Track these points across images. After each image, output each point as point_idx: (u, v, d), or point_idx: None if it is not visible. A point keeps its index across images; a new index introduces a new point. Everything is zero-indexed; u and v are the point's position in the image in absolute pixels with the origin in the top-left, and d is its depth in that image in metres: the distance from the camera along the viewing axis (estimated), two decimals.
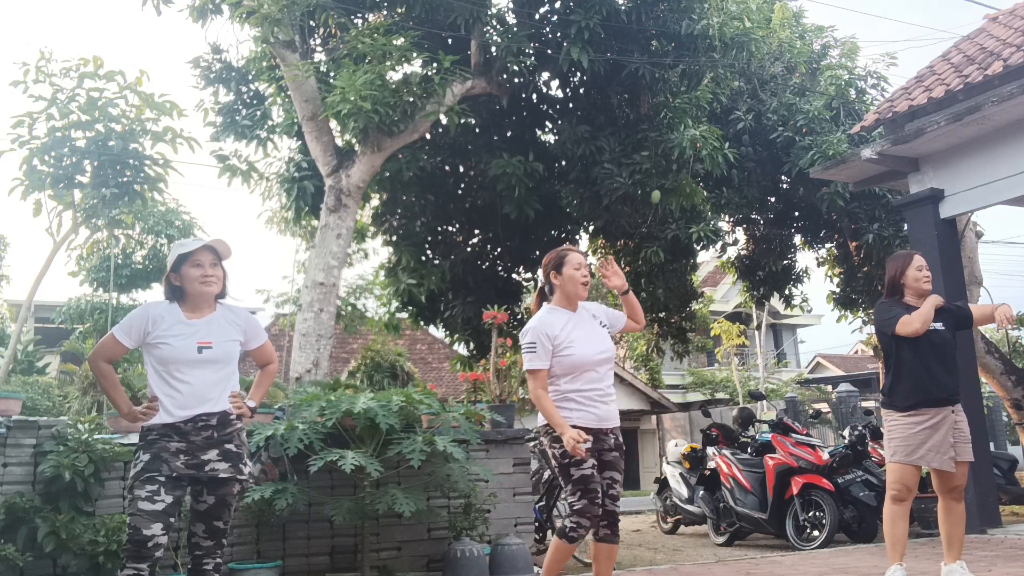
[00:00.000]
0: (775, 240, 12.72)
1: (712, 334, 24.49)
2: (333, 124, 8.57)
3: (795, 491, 7.49)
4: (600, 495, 3.67)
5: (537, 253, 11.84)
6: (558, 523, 7.45)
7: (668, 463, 10.06)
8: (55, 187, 6.37)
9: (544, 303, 3.98)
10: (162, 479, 3.20)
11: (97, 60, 6.35)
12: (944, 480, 4.39)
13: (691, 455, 9.61)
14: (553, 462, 3.76)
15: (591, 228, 11.48)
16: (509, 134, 10.52)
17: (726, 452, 8.52)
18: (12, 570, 4.64)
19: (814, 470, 7.58)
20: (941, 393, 4.33)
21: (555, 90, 10.57)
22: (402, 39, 8.12)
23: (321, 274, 8.11)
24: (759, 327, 27.51)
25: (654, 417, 28.11)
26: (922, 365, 4.36)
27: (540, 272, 4.06)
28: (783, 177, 11.58)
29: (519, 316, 12.06)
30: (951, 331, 4.45)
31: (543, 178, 9.90)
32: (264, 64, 9.42)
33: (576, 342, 3.79)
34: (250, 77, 9.84)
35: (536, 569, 5.88)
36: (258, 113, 9.71)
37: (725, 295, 28.88)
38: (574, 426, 3.67)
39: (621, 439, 3.89)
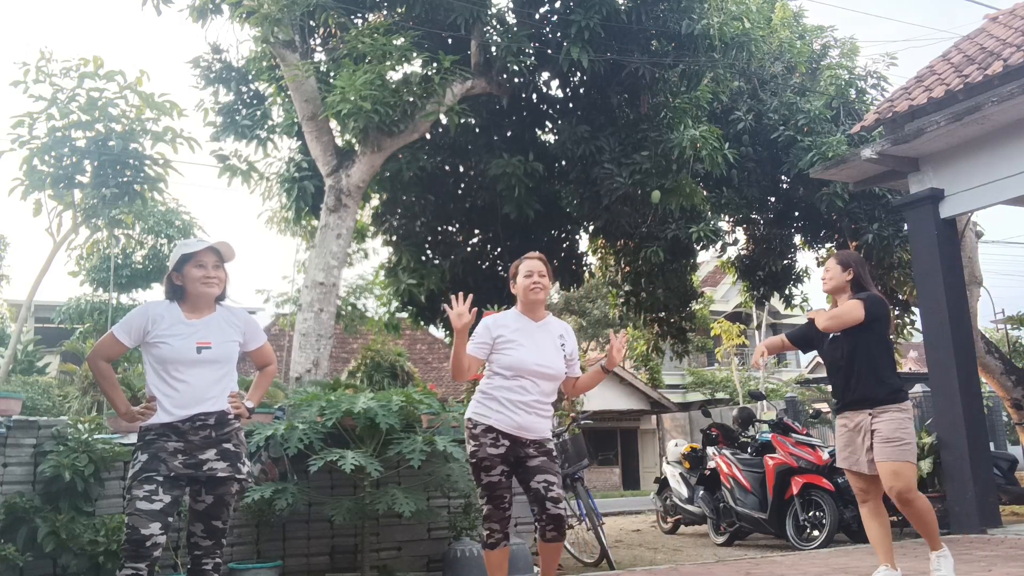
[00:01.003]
0: (775, 240, 12.72)
1: (712, 334, 24.48)
2: (333, 124, 8.57)
3: (795, 491, 7.49)
4: (507, 501, 3.73)
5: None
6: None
7: (668, 463, 10.06)
8: (55, 187, 6.37)
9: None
10: (160, 479, 3.20)
11: (97, 60, 6.35)
12: (863, 484, 4.35)
13: (691, 455, 9.61)
14: (469, 459, 3.84)
15: (591, 228, 11.48)
16: (509, 134, 10.52)
17: (726, 452, 8.52)
18: (12, 570, 4.64)
19: (814, 470, 7.58)
20: (853, 396, 4.34)
21: (555, 90, 10.57)
22: (402, 39, 8.12)
23: (321, 274, 8.11)
24: (759, 327, 27.51)
25: (654, 417, 28.13)
26: (833, 370, 4.46)
27: None
28: (783, 177, 11.58)
29: None
30: (852, 338, 4.35)
31: (543, 178, 9.90)
32: (264, 64, 9.42)
33: (521, 346, 3.79)
34: (250, 77, 9.84)
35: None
36: (258, 113, 9.70)
37: (725, 295, 28.89)
38: (490, 427, 3.72)
39: (550, 446, 3.85)
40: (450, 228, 11.53)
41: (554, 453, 3.87)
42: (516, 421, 3.73)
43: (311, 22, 8.52)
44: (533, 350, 3.81)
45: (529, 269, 3.90)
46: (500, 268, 11.69)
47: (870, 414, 4.26)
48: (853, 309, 4.27)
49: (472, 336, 3.80)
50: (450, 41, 9.38)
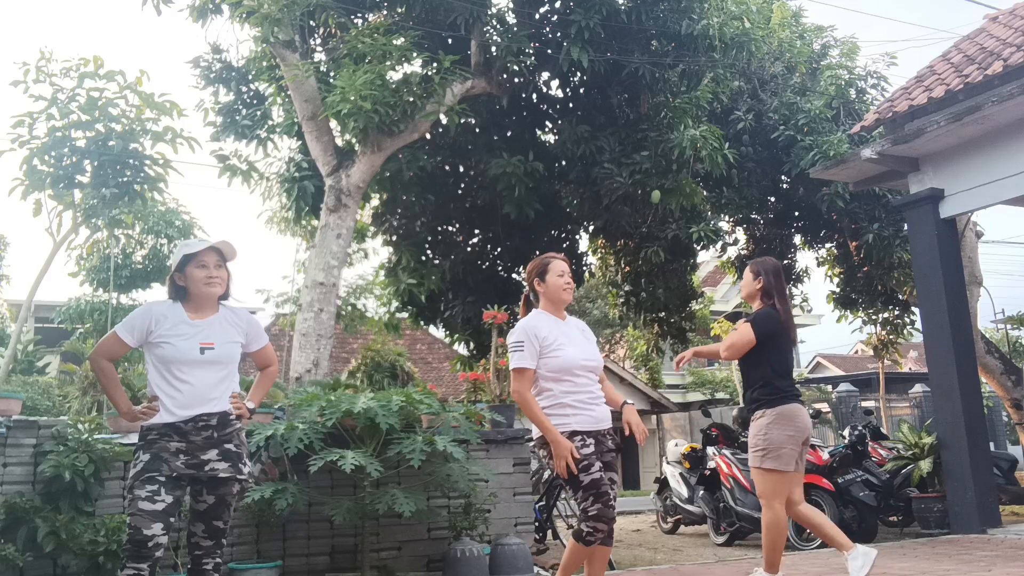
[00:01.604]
0: (775, 240, 12.73)
1: (712, 334, 24.47)
2: (333, 124, 8.57)
3: None
4: (612, 497, 3.64)
5: (537, 253, 11.82)
6: (558, 523, 7.47)
7: (668, 463, 10.06)
8: (55, 187, 6.36)
9: (532, 310, 3.98)
10: (162, 479, 3.20)
11: (97, 60, 6.34)
12: None
13: (691, 455, 9.61)
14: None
15: (591, 228, 11.48)
16: (509, 134, 10.52)
17: (726, 452, 8.52)
18: (12, 570, 4.64)
19: (814, 470, 7.58)
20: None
21: (555, 90, 10.57)
22: (402, 39, 8.12)
23: (321, 274, 8.11)
24: None
25: (654, 417, 28.12)
26: None
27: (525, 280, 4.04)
28: (783, 177, 11.59)
29: (519, 316, 12.04)
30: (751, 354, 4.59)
31: (543, 178, 9.90)
32: (264, 64, 9.42)
33: (565, 345, 3.76)
34: (250, 77, 9.84)
35: (536, 569, 5.88)
36: (258, 113, 9.70)
37: (725, 295, 28.88)
38: (575, 431, 3.64)
39: (617, 439, 3.86)
40: (450, 228, 11.52)
41: (621, 448, 3.87)
42: (593, 416, 3.72)
43: (311, 22, 8.52)
44: (576, 346, 3.80)
45: (562, 269, 3.91)
46: (500, 268, 11.69)
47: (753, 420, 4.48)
48: (744, 334, 4.50)
49: (513, 348, 3.75)
50: (450, 41, 9.38)
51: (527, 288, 4.04)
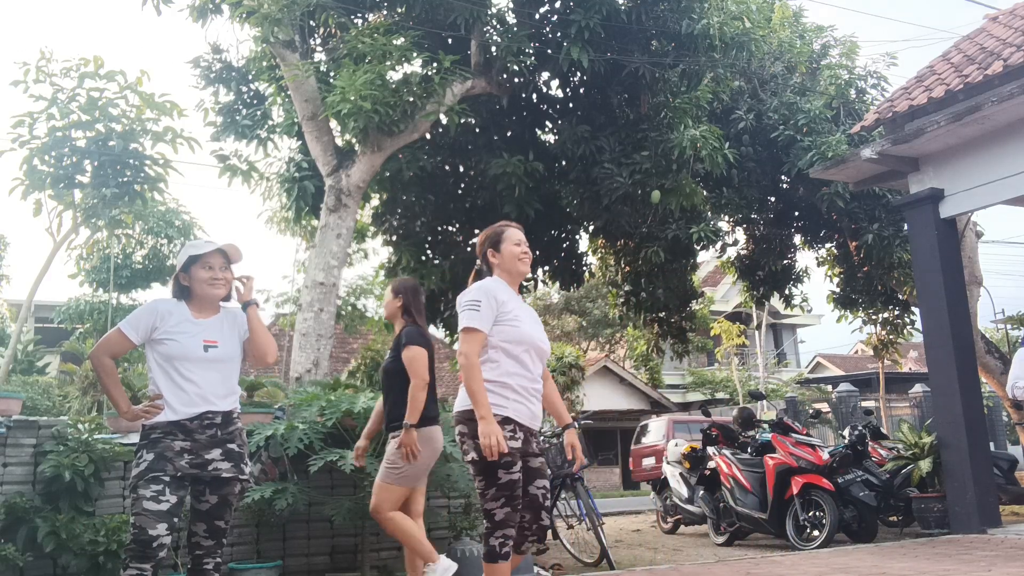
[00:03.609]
0: (775, 240, 12.72)
1: (712, 334, 24.51)
2: (333, 124, 8.57)
3: (795, 491, 7.49)
4: (520, 503, 3.29)
5: (537, 253, 11.84)
6: (558, 523, 7.46)
7: (668, 463, 10.06)
8: (55, 187, 6.37)
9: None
10: (167, 479, 3.21)
11: (97, 60, 6.34)
12: None
13: (691, 455, 9.61)
14: (473, 455, 3.27)
15: (591, 228, 11.48)
16: (509, 134, 10.52)
17: (726, 452, 8.52)
18: (12, 570, 4.64)
19: (814, 470, 7.58)
20: (388, 418, 4.54)
21: (555, 90, 10.57)
22: (402, 39, 8.12)
23: (321, 274, 8.11)
24: (759, 327, 27.53)
25: (654, 417, 28.12)
26: None
27: (478, 251, 3.69)
28: (783, 177, 11.58)
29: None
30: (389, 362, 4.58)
31: (543, 178, 9.90)
32: (264, 64, 9.42)
33: (523, 318, 3.43)
34: (250, 77, 9.83)
35: (536, 569, 5.87)
36: (258, 113, 9.70)
37: (725, 295, 28.90)
38: (508, 419, 3.29)
39: (542, 445, 3.58)
40: (450, 228, 11.52)
41: (541, 453, 3.56)
42: (532, 410, 3.40)
43: (311, 22, 8.52)
44: (533, 323, 3.49)
45: (518, 238, 3.58)
46: None
47: (392, 436, 4.47)
48: (417, 356, 4.44)
49: (467, 307, 3.36)
50: (450, 41, 9.38)
51: (478, 261, 3.65)
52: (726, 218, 12.36)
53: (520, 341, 3.38)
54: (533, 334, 3.44)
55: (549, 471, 3.54)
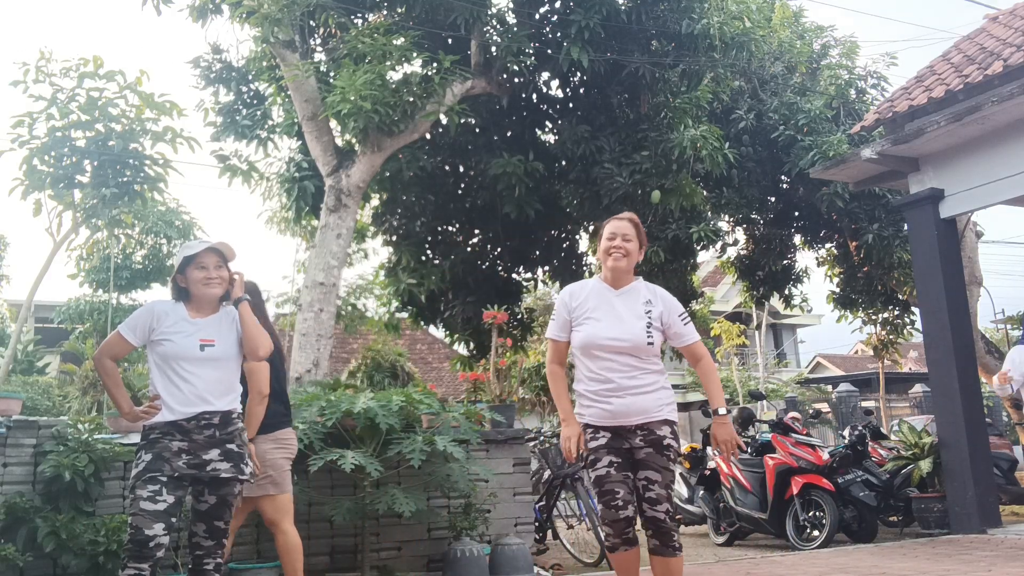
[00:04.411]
0: (775, 240, 12.72)
1: (712, 334, 24.48)
2: (333, 124, 8.57)
3: (795, 491, 7.48)
4: (619, 497, 3.30)
5: (537, 253, 11.84)
6: (558, 523, 7.46)
7: None
8: (55, 187, 6.36)
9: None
10: (164, 479, 3.21)
11: (97, 60, 6.33)
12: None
13: (691, 455, 9.60)
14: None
15: (591, 228, 11.48)
16: (509, 134, 10.52)
17: None
18: (12, 570, 4.64)
19: (814, 470, 7.57)
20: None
21: (555, 90, 10.57)
22: (402, 39, 8.12)
23: (321, 274, 8.11)
24: (759, 327, 27.52)
25: None
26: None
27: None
28: (783, 177, 11.59)
29: (519, 316, 12.06)
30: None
31: (543, 178, 9.90)
32: (264, 64, 9.42)
33: (593, 319, 3.37)
34: (250, 77, 9.84)
35: (536, 569, 5.88)
36: (258, 113, 9.70)
37: (725, 295, 28.88)
38: (586, 424, 3.40)
39: (662, 433, 3.38)
40: (450, 228, 11.53)
41: (666, 441, 3.39)
42: (609, 410, 3.34)
43: (311, 22, 8.52)
44: (608, 323, 3.38)
45: (613, 231, 3.47)
46: (500, 268, 11.69)
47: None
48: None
49: (552, 317, 3.47)
50: (450, 41, 9.38)
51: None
52: (726, 218, 12.36)
53: (582, 344, 3.39)
54: (597, 334, 3.36)
55: (657, 465, 3.37)
